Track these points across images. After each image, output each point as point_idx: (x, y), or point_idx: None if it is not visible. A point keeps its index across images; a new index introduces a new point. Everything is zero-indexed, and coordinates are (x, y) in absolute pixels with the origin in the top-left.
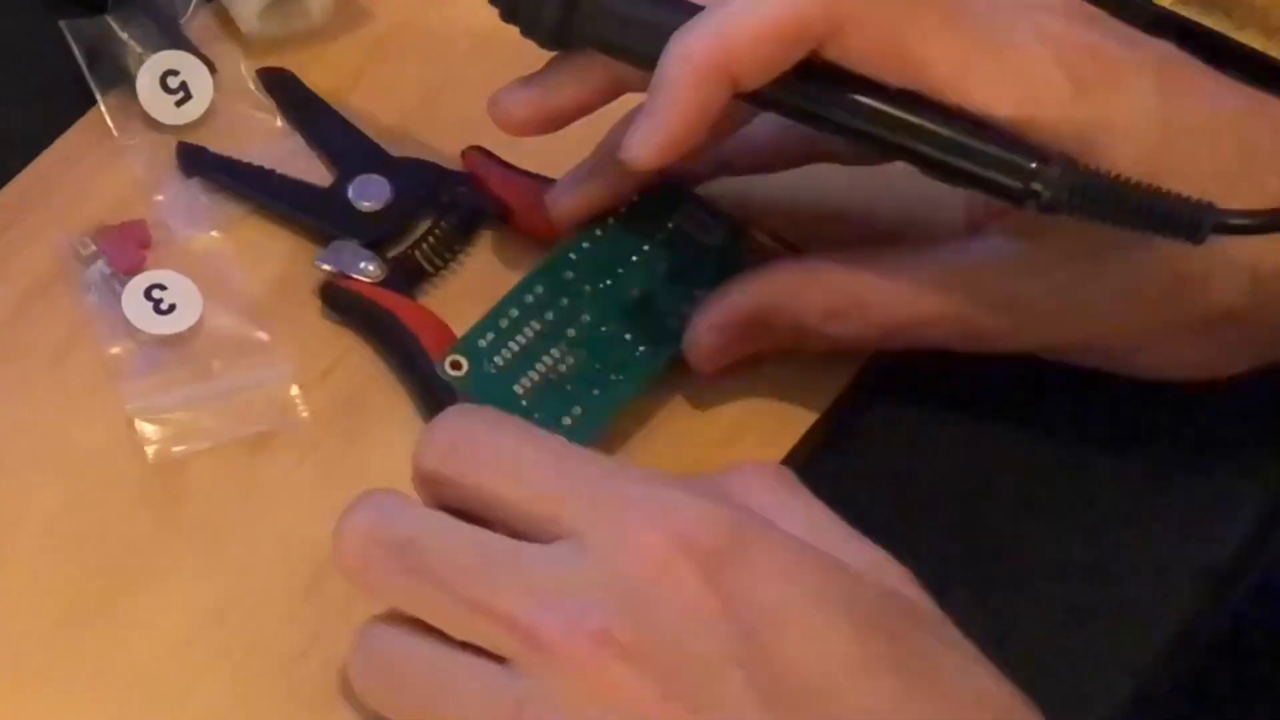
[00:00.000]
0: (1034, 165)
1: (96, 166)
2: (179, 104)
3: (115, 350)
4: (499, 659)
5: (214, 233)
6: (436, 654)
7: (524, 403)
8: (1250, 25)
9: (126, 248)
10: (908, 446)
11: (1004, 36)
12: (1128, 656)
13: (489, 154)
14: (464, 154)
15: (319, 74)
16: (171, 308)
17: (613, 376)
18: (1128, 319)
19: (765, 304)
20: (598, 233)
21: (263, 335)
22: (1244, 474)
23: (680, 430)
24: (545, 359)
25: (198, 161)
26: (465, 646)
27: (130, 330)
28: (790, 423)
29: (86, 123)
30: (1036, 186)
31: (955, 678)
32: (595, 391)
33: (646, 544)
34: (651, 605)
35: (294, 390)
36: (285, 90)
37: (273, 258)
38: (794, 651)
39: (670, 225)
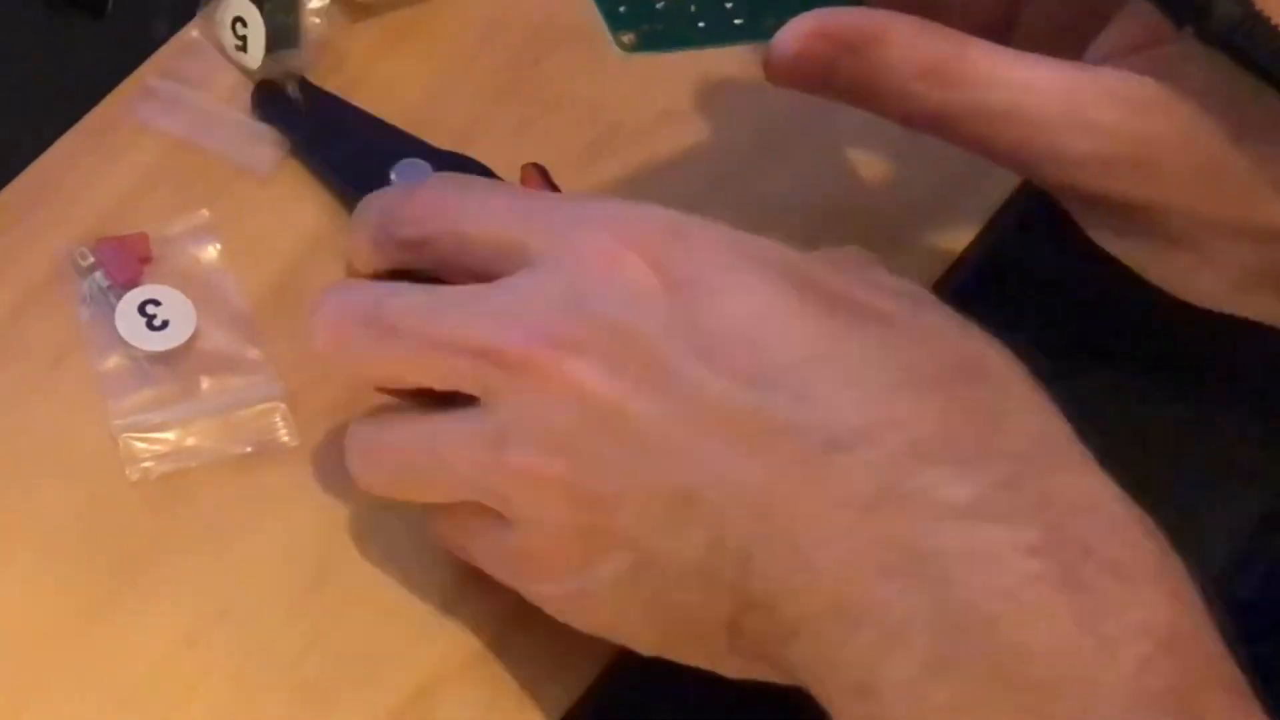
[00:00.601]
0: None
1: (96, 167)
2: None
3: (107, 365)
4: (475, 401)
5: (213, 247)
6: (418, 423)
7: None
8: None
9: (125, 261)
10: None
11: None
12: None
13: (546, 174)
14: (523, 171)
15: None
16: (165, 324)
17: None
18: (1228, 192)
19: (869, 30)
20: None
21: (255, 353)
22: (1243, 473)
23: None
24: None
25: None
26: (444, 406)
27: (122, 345)
28: None
29: (86, 123)
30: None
31: (908, 320)
32: None
33: (593, 245)
34: (598, 298)
35: (280, 412)
36: (279, 104)
37: (271, 270)
38: (726, 307)
39: None
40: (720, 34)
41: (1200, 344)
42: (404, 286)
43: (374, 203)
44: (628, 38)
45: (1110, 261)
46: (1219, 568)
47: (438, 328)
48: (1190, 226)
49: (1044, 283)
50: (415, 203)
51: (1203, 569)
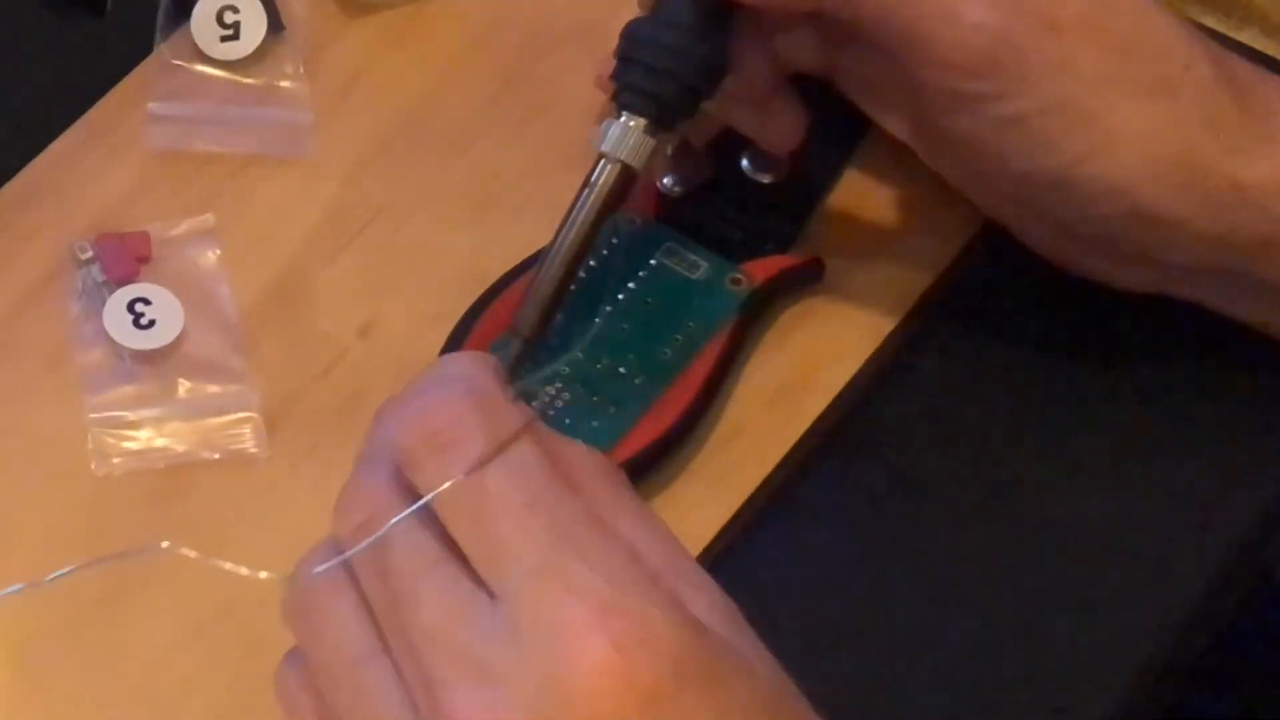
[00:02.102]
0: None
1: (96, 167)
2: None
3: (89, 359)
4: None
5: (213, 252)
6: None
7: None
8: (1250, 25)
9: (123, 258)
10: (908, 446)
11: None
12: (1130, 650)
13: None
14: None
15: (323, 74)
16: (152, 323)
17: (612, 409)
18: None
19: None
20: (581, 275)
21: (238, 363)
22: (1244, 474)
23: None
24: (542, 396)
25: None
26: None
27: (107, 340)
28: (790, 422)
29: (86, 123)
30: None
31: None
32: (595, 424)
33: (582, 658)
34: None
35: (253, 423)
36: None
37: (267, 279)
38: None
39: (653, 263)
40: None
41: (1199, 338)
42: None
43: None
44: None
45: None
46: (1218, 567)
47: (413, 635)
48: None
49: (1043, 283)
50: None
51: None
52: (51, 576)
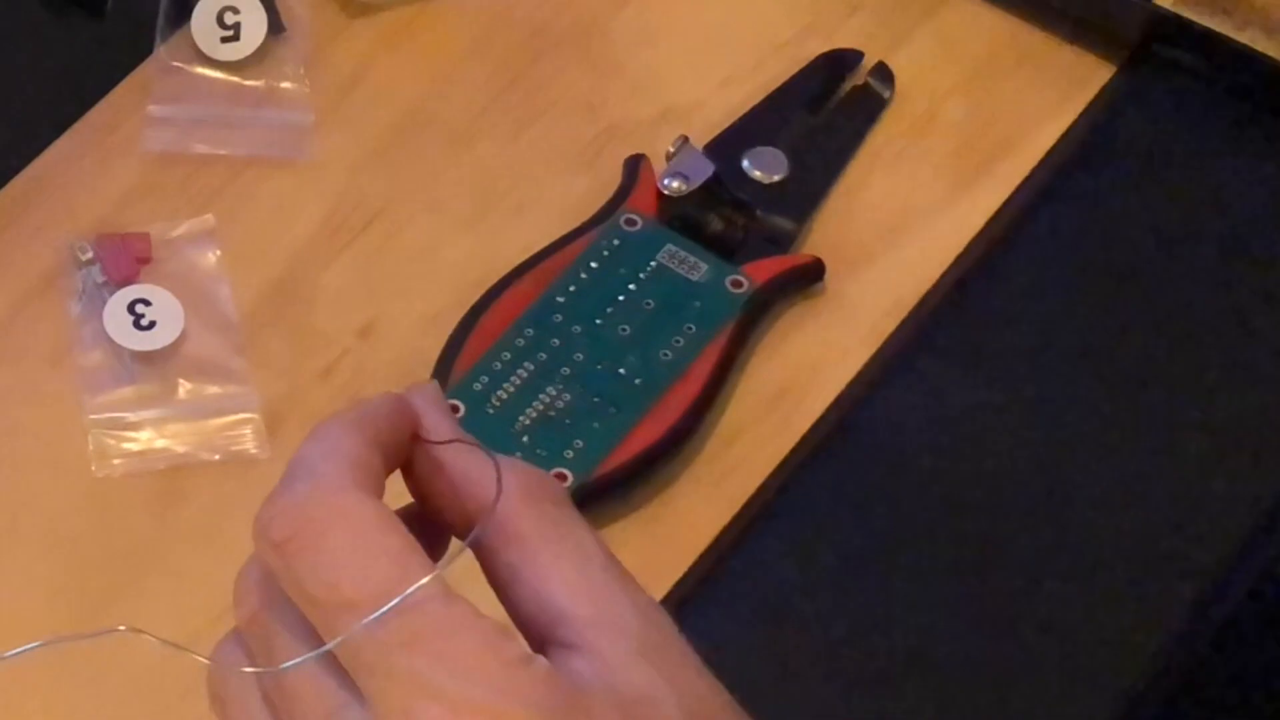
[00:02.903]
0: None
1: (97, 167)
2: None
3: (90, 360)
4: None
5: (213, 253)
6: None
7: (524, 439)
8: (1250, 25)
9: (123, 259)
10: (908, 447)
11: None
12: (1130, 648)
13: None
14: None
15: (324, 75)
16: (152, 324)
17: (612, 410)
18: None
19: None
20: (582, 276)
21: (239, 364)
22: (1244, 474)
23: None
24: (542, 397)
25: None
26: None
27: (108, 341)
28: (790, 423)
29: (87, 123)
30: None
31: None
32: (595, 425)
33: None
34: None
35: (254, 424)
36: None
37: (267, 280)
38: None
39: (653, 264)
40: None
41: (1199, 338)
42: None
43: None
44: None
45: (1107, 263)
46: (1216, 567)
47: None
48: None
49: (1043, 283)
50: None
51: (1201, 568)
52: (8, 654)
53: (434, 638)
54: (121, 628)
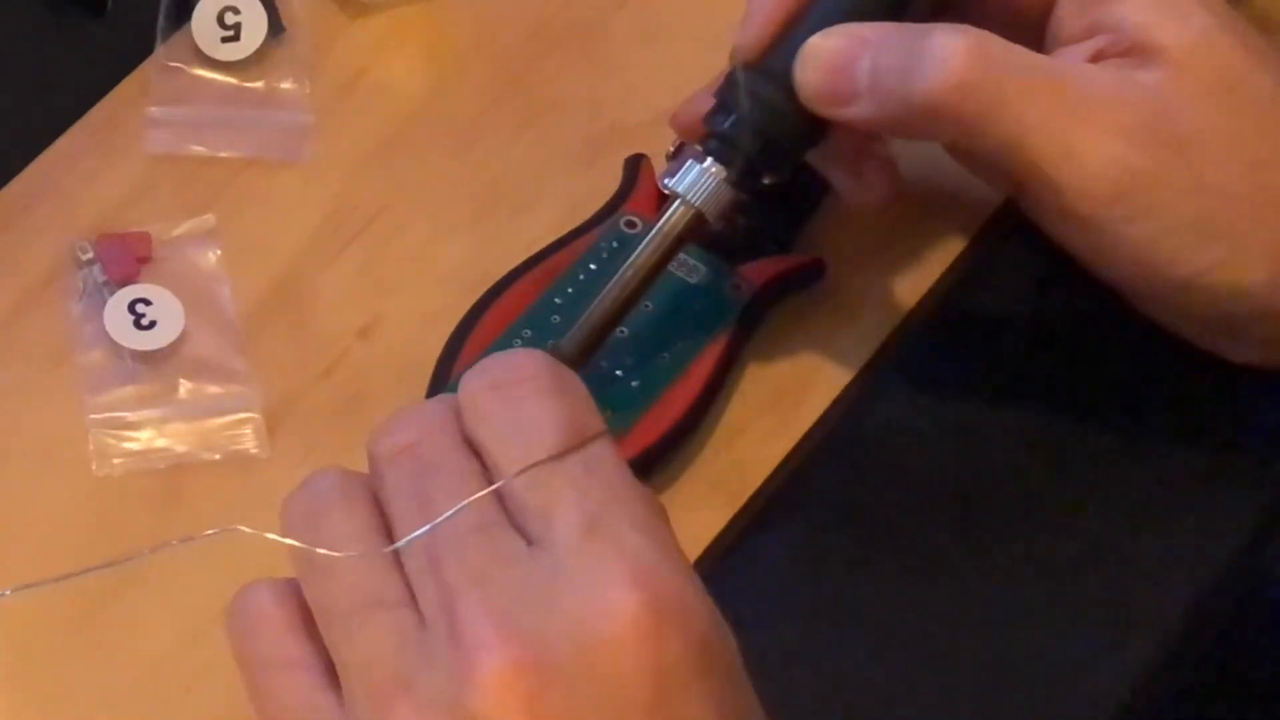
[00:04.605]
0: None
1: (97, 167)
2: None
3: (90, 359)
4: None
5: (213, 252)
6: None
7: None
8: (1250, 24)
9: (124, 258)
10: (908, 447)
11: None
12: (1125, 655)
13: None
14: None
15: (324, 75)
16: (153, 324)
17: (608, 412)
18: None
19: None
20: (582, 277)
21: (239, 363)
22: (1244, 473)
23: None
24: None
25: None
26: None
27: (108, 341)
28: (790, 423)
29: (87, 123)
30: None
31: None
32: None
33: (617, 609)
34: (589, 684)
35: (254, 424)
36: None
37: (268, 279)
38: None
39: None
40: None
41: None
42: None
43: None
44: None
45: None
46: (1219, 568)
47: (449, 572)
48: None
49: (1043, 284)
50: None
51: (1202, 569)
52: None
53: (635, 510)
54: (241, 527)
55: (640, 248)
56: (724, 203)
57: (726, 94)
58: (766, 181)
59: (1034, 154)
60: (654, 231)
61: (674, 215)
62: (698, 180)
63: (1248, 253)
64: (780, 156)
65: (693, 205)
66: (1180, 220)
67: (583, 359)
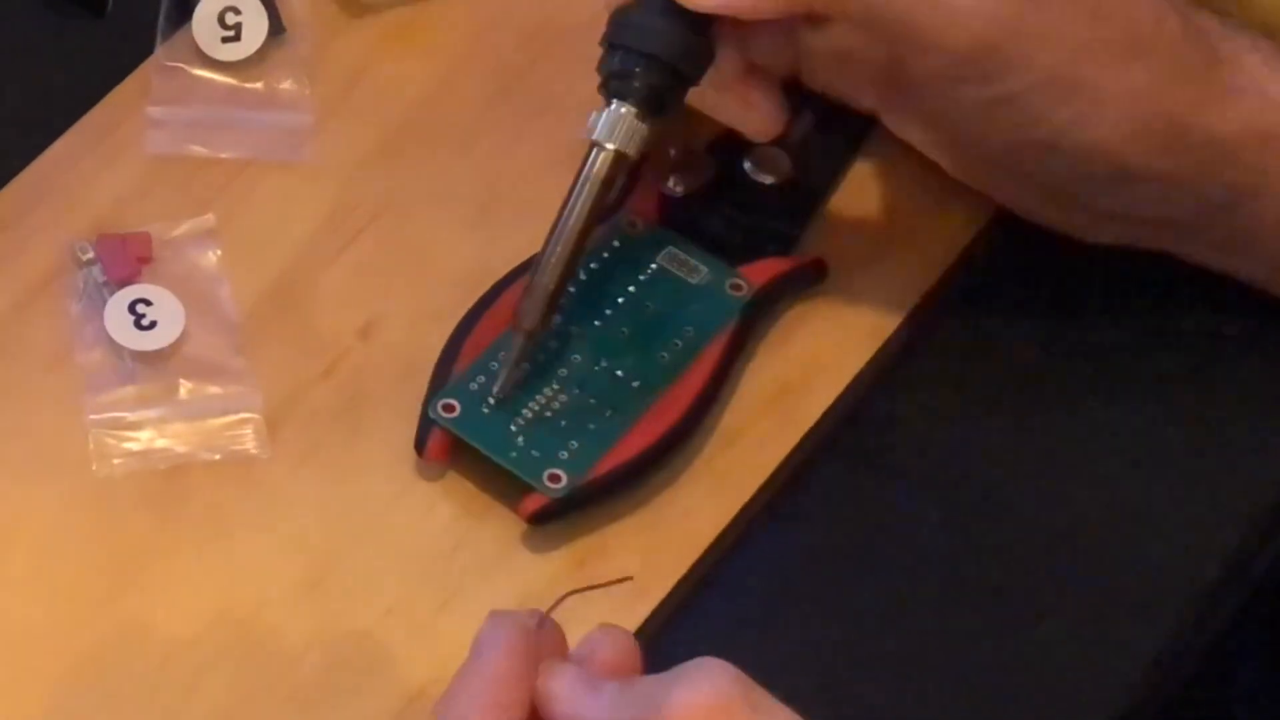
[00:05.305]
0: None
1: (97, 167)
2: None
3: (90, 359)
4: None
5: (213, 253)
6: None
7: (519, 440)
8: (1250, 25)
9: (124, 259)
10: (908, 447)
11: None
12: (1130, 649)
13: None
14: None
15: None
16: (153, 324)
17: (608, 412)
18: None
19: None
20: (582, 277)
21: (239, 363)
22: (1244, 474)
23: None
24: (538, 398)
25: None
26: None
27: (108, 341)
28: (790, 423)
29: (88, 123)
30: None
31: None
32: (591, 426)
33: None
34: None
35: (254, 424)
36: None
37: (268, 279)
38: None
39: (654, 267)
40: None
41: (1198, 339)
42: None
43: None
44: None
45: (1107, 261)
46: (1220, 565)
47: None
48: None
49: (1043, 284)
50: None
51: (1203, 566)
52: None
53: None
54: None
55: (573, 199)
56: (638, 137)
57: (611, 35)
58: (669, 110)
59: (903, 6)
60: (580, 181)
61: (595, 161)
62: (609, 122)
63: (1102, 107)
64: (673, 76)
65: (609, 147)
66: (1038, 76)
67: (545, 325)
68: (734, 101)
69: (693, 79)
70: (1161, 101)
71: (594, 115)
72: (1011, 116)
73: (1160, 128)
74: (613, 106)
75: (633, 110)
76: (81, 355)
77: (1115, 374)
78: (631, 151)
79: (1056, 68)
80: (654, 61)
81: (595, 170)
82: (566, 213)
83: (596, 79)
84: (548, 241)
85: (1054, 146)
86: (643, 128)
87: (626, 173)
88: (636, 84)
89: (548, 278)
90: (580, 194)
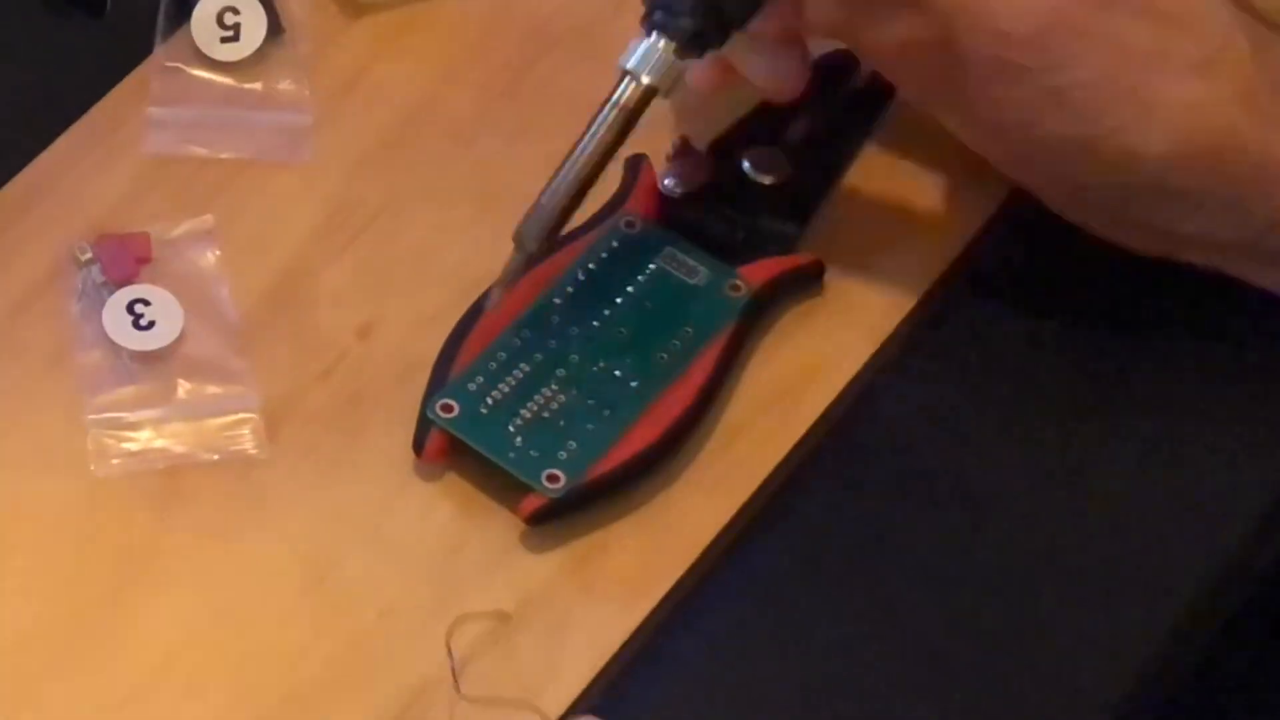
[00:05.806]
0: None
1: (96, 168)
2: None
3: (89, 359)
4: None
5: (212, 253)
6: None
7: (517, 440)
8: None
9: (123, 259)
10: (908, 447)
11: None
12: (1130, 649)
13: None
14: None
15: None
16: (151, 324)
17: (606, 412)
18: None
19: None
20: (580, 277)
21: (238, 364)
22: (1245, 474)
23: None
24: (536, 398)
25: None
26: None
27: (107, 341)
28: (790, 423)
29: (87, 124)
30: None
31: None
32: (590, 427)
33: None
34: None
35: (252, 424)
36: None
37: (267, 279)
38: None
39: (652, 267)
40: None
41: (1198, 339)
42: None
43: None
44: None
45: (1107, 260)
46: (1221, 563)
47: None
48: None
49: (1044, 284)
50: None
51: (1205, 564)
52: None
53: None
54: None
55: (596, 124)
56: (674, 74)
57: None
58: (709, 52)
59: None
60: (608, 107)
61: (625, 91)
62: (646, 55)
63: (1149, 121)
64: (722, 21)
65: (643, 80)
66: (1090, 75)
67: (546, 246)
68: (765, 57)
69: (739, 25)
70: (1215, 122)
71: (633, 44)
72: (1059, 110)
73: (1209, 149)
74: (652, 38)
75: (672, 46)
76: (80, 355)
77: (1115, 374)
78: (664, 89)
79: (1111, 70)
80: (705, 4)
81: (625, 99)
82: (588, 138)
83: (596, 79)
84: (562, 165)
85: (1095, 148)
86: (680, 65)
87: (647, 106)
88: (683, 22)
89: (557, 200)
90: (604, 121)
